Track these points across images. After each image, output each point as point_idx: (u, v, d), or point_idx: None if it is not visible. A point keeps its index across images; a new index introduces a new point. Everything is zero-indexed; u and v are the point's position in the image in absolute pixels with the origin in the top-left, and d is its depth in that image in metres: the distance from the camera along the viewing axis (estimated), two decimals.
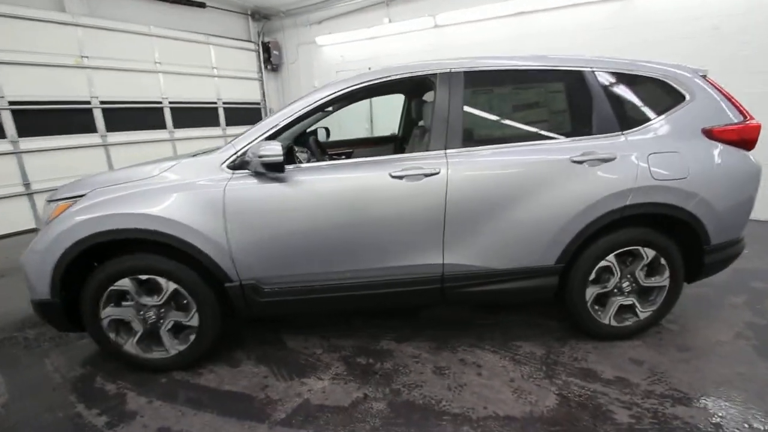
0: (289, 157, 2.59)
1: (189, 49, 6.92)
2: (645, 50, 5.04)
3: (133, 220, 1.90)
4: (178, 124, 6.85)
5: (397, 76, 2.10)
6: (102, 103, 5.84)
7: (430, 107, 2.19)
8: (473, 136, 2.09)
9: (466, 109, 2.08)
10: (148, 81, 6.41)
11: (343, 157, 3.69)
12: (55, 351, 2.50)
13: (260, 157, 1.83)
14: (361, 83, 2.08)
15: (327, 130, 3.75)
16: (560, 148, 2.06)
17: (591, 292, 2.21)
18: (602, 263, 2.17)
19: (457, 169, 1.99)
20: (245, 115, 7.98)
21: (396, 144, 3.69)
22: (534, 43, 5.72)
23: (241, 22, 7.92)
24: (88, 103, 5.73)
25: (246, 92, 8.04)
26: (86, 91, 5.69)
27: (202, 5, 7.04)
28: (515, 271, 2.12)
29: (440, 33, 6.35)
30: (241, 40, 7.88)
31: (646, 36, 5.05)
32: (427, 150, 2.05)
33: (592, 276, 2.18)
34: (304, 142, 2.97)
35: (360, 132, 7.09)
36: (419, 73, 2.11)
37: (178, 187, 1.95)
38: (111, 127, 5.97)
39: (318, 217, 1.98)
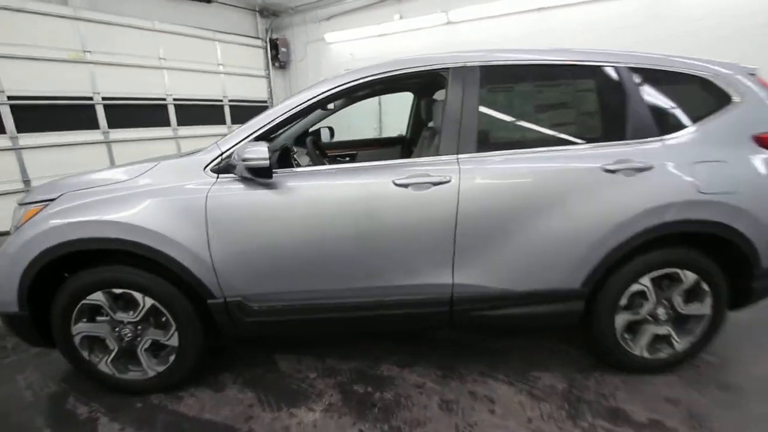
0: (286, 159, 2.37)
1: (194, 46, 6.76)
2: (674, 48, 4.72)
3: (103, 228, 1.70)
4: (183, 121, 6.69)
5: (405, 71, 1.86)
6: (104, 99, 5.70)
7: (440, 106, 1.94)
8: (489, 140, 1.84)
9: (482, 109, 1.83)
10: (152, 77, 6.26)
11: (347, 159, 3.46)
12: (32, 364, 2.31)
13: (244, 160, 1.60)
14: (364, 78, 1.84)
15: (331, 129, 3.52)
16: (589, 154, 1.80)
17: (621, 319, 1.94)
18: (635, 287, 1.90)
19: (471, 178, 1.74)
20: (252, 113, 7.65)
21: (403, 146, 3.45)
22: (551, 39, 5.44)
23: (248, 19, 7.76)
24: (90, 99, 5.59)
25: (253, 90, 7.87)
26: (88, 86, 5.55)
27: (209, 0, 6.88)
28: (535, 294, 1.86)
29: (453, 30, 6.09)
30: (249, 36, 7.71)
31: (671, 32, 4.74)
32: (436, 154, 1.81)
33: (623, 301, 1.91)
34: (305, 143, 2.75)
35: (369, 132, 6.86)
36: (429, 67, 1.86)
37: (154, 192, 1.73)
38: (113, 123, 5.83)
39: (312, 230, 1.75)
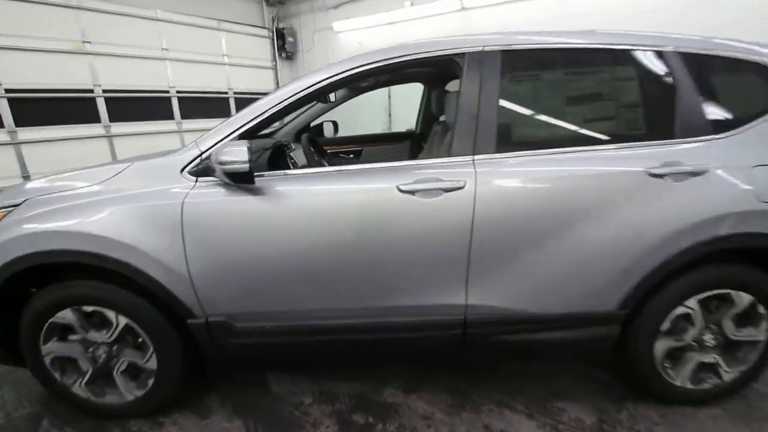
0: (282, 158, 2.14)
1: (198, 36, 6.55)
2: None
3: (65, 239, 1.49)
4: (187, 114, 6.51)
5: (413, 57, 1.59)
6: (105, 91, 5.53)
7: (453, 98, 1.69)
8: (512, 138, 1.57)
9: (503, 101, 1.56)
10: (154, 69, 6.07)
11: (351, 156, 3.22)
12: (9, 381, 2.14)
13: (221, 163, 1.37)
14: (366, 66, 1.58)
15: (335, 124, 3.27)
16: (631, 155, 1.53)
17: (662, 345, 1.68)
18: (679, 309, 1.63)
19: (489, 183, 1.48)
20: None
21: (413, 142, 3.19)
22: (570, 25, 5.07)
23: (254, 7, 7.50)
24: (91, 91, 5.42)
25: (259, 81, 7.64)
26: (89, 79, 5.38)
27: None
28: (564, 317, 1.61)
29: (467, 16, 5.75)
30: (255, 26, 7.46)
31: (714, 18, 4.35)
32: (448, 154, 1.55)
33: (665, 326, 1.65)
34: (311, 138, 2.50)
35: (377, 127, 6.59)
36: (441, 53, 1.59)
37: (124, 198, 1.52)
38: (115, 117, 5.66)
39: (303, 242, 1.52)
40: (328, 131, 3.23)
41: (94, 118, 5.50)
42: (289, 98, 1.58)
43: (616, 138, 1.57)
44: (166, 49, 6.15)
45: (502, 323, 1.61)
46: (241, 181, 1.40)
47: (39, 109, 4.95)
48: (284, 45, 7.65)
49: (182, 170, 1.55)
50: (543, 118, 1.63)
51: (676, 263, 1.53)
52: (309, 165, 2.02)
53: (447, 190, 1.47)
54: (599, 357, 2.06)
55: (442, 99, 2.38)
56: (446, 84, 2.84)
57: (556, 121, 1.62)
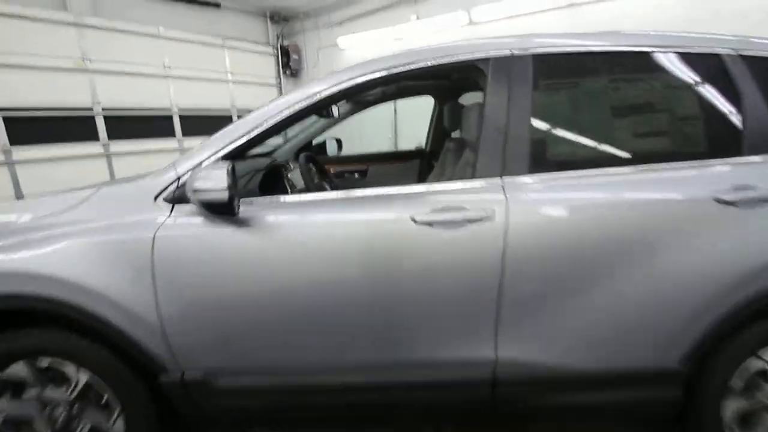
0: (278, 180, 1.91)
1: (202, 53, 6.45)
2: None
3: (8, 281, 1.24)
4: (189, 132, 6.35)
5: (429, 63, 1.36)
6: (105, 109, 5.39)
7: (475, 111, 1.45)
8: (547, 157, 1.32)
9: (537, 113, 1.31)
10: (156, 86, 5.95)
11: (356, 175, 2.98)
12: None
13: (196, 191, 1.13)
14: (372, 74, 1.35)
15: (338, 141, 3.05)
16: (692, 177, 1.27)
17: (731, 406, 1.38)
18: (753, 363, 1.34)
19: (523, 211, 1.22)
20: None
21: (423, 161, 2.95)
22: None
23: (258, 25, 7.44)
24: (90, 109, 5.28)
25: (263, 99, 7.46)
26: (88, 97, 5.25)
27: (217, 5, 6.59)
28: (612, 374, 1.32)
29: (476, 31, 5.58)
30: (259, 43, 7.38)
31: (718, 27, 4.12)
32: (472, 176, 1.30)
33: (736, 383, 1.35)
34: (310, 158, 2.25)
35: (383, 143, 6.37)
36: (461, 58, 1.36)
37: (84, 231, 1.27)
38: (114, 135, 5.51)
39: (300, 284, 1.27)
40: (331, 149, 3.01)
41: (93, 137, 5.35)
42: (283, 112, 1.35)
43: (672, 156, 1.31)
44: (169, 67, 6.04)
45: (539, 382, 1.32)
46: (220, 212, 1.16)
47: (35, 127, 4.81)
48: (289, 62, 7.55)
49: (156, 197, 1.31)
50: (584, 132, 1.37)
51: (750, 309, 1.25)
52: (308, 188, 1.77)
53: (472, 221, 1.22)
54: (655, 419, 1.75)
55: (456, 113, 2.15)
56: (459, 97, 2.62)
57: (600, 136, 1.36)
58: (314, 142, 2.90)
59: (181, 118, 6.22)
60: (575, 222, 1.23)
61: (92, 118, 5.31)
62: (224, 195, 1.09)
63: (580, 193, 1.25)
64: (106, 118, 5.40)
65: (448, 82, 2.49)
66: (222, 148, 1.32)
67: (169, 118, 6.11)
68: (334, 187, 1.97)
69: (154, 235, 1.25)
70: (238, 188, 1.22)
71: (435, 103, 2.87)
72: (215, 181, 1.09)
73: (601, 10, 4.90)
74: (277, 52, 7.58)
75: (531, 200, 1.23)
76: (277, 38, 7.59)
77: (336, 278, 1.25)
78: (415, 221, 1.22)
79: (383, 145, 6.31)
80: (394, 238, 1.23)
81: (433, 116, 2.93)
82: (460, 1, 5.54)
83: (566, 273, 1.24)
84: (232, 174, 1.16)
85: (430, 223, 1.22)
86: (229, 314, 1.29)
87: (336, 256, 1.25)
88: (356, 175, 3.02)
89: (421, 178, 2.82)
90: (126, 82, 5.59)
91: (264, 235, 1.26)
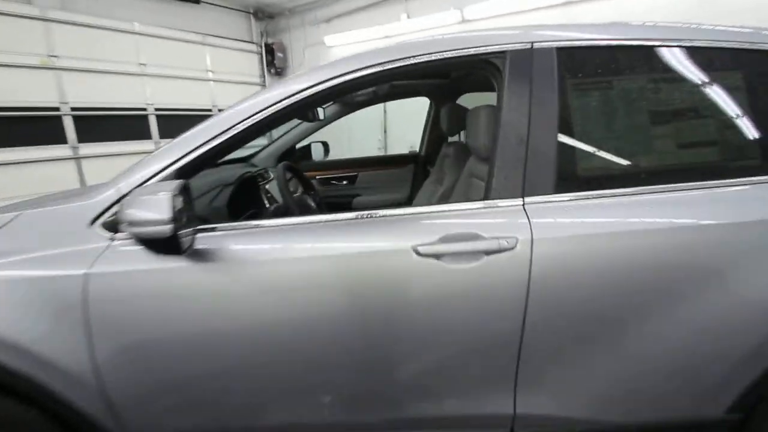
0: (253, 194, 1.65)
1: (180, 50, 6.11)
2: None
3: None
4: (166, 134, 5.99)
5: (431, 57, 1.12)
6: (74, 109, 5.03)
7: (487, 116, 1.22)
8: (579, 172, 1.09)
9: (565, 118, 1.08)
10: (130, 85, 5.59)
11: (344, 183, 2.73)
12: None
13: (131, 223, 0.86)
14: (363, 70, 1.11)
15: (325, 145, 2.79)
16: (749, 197, 1.05)
17: None
18: None
19: (552, 240, 0.99)
20: None
21: (417, 166, 2.72)
22: None
23: (241, 21, 7.12)
24: (57, 109, 4.91)
25: None
26: (55, 95, 4.88)
27: (197, 1, 6.25)
28: (650, 428, 1.10)
29: (468, 29, 5.39)
30: (242, 40, 7.07)
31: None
32: (485, 195, 1.07)
33: None
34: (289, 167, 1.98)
35: (373, 146, 6.11)
36: (470, 52, 1.12)
37: None
38: (84, 137, 5.14)
39: (275, 333, 1.01)
40: (317, 154, 2.76)
41: (60, 139, 4.97)
42: (254, 116, 1.10)
43: (730, 172, 1.09)
44: (144, 64, 5.69)
45: None
46: (162, 249, 0.89)
47: None
48: (273, 60, 7.25)
49: (92, 222, 1.04)
50: (623, 142, 1.13)
51: None
52: (286, 205, 1.50)
53: (489, 252, 0.98)
54: None
55: (455, 116, 1.94)
56: (457, 98, 2.39)
57: (644, 148, 1.13)
58: (298, 145, 2.64)
59: (158, 118, 5.88)
60: (615, 253, 1.00)
61: (59, 119, 4.94)
62: (164, 229, 0.83)
63: (621, 216, 1.02)
64: (75, 118, 5.04)
65: (446, 81, 2.26)
66: (177, 160, 1.05)
67: (145, 118, 5.76)
68: (318, 203, 1.71)
69: (88, 273, 0.98)
70: (194, 212, 0.96)
71: (430, 104, 2.64)
72: (155, 210, 0.82)
73: (597, 9, 4.76)
74: (262, 50, 7.28)
75: (561, 226, 1.00)
76: (262, 35, 7.28)
77: (320, 326, 1.00)
78: (418, 253, 0.98)
79: (372, 149, 6.06)
80: (392, 274, 0.99)
81: (428, 119, 2.70)
82: (452, 0, 5.33)
83: (603, 314, 1.02)
84: (185, 195, 0.90)
85: (436, 255, 0.98)
86: (185, 370, 1.03)
87: (318, 301, 1.00)
88: (345, 182, 2.77)
89: (416, 186, 2.59)
90: (97, 80, 5.22)
91: (228, 272, 1.00)
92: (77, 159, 5.13)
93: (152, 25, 5.74)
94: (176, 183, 0.89)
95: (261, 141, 2.92)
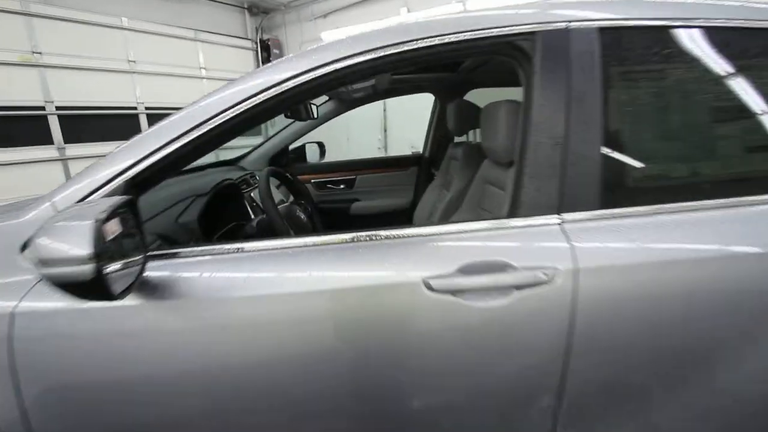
0: (236, 203, 1.43)
1: (172, 47, 5.90)
2: None
3: None
4: None
5: (447, 39, 0.90)
6: (59, 108, 4.81)
7: (508, 112, 1.01)
8: (630, 183, 0.87)
9: (612, 115, 0.87)
10: (119, 83, 5.38)
11: (342, 186, 2.52)
12: None
13: (42, 262, 0.64)
14: (359, 56, 0.90)
15: (320, 145, 2.58)
16: None
17: None
18: None
19: (600, 269, 0.78)
20: None
21: (421, 169, 2.50)
22: None
23: (236, 17, 6.90)
24: (42, 108, 4.70)
25: None
26: (39, 94, 4.66)
27: None
28: None
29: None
30: (237, 37, 6.84)
31: None
32: (511, 210, 0.86)
33: None
34: (274, 173, 1.75)
35: (373, 145, 5.89)
36: (492, 33, 0.91)
37: None
38: (71, 137, 4.93)
39: (243, 389, 0.80)
40: (312, 155, 2.55)
41: (46, 139, 4.76)
42: (231, 110, 0.89)
43: None
44: (134, 62, 5.47)
45: None
46: (84, 295, 0.67)
47: None
48: (269, 57, 7.04)
49: (23, 248, 0.83)
50: (687, 145, 0.91)
51: None
52: (269, 217, 1.28)
53: (521, 287, 0.77)
54: None
55: (464, 114, 1.73)
56: (464, 94, 2.18)
57: (712, 152, 0.92)
58: (291, 146, 2.43)
59: (149, 117, 5.66)
60: (680, 283, 0.79)
61: (44, 119, 4.72)
62: (83, 270, 0.60)
63: (685, 238, 0.81)
64: (61, 117, 4.82)
65: (453, 75, 2.05)
66: (128, 169, 0.84)
67: (135, 118, 5.54)
68: (310, 215, 1.50)
69: (13, 312, 0.77)
70: (142, 238, 0.75)
71: (435, 101, 2.42)
72: (73, 241, 0.60)
73: None
74: (257, 47, 7.06)
75: (611, 252, 0.79)
76: (257, 31, 7.06)
77: (309, 386, 0.79)
78: (431, 288, 0.76)
79: (372, 149, 5.84)
80: (399, 317, 0.78)
81: (432, 117, 2.48)
82: None
83: (662, 359, 0.81)
84: (128, 217, 0.69)
85: (453, 292, 0.77)
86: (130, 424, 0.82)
87: (308, 349, 0.78)
88: (342, 186, 2.56)
89: (420, 190, 2.38)
90: (84, 78, 5.00)
91: (188, 312, 0.79)
92: (64, 160, 4.91)
93: (142, 21, 5.52)
94: (113, 200, 0.68)
95: (255, 141, 2.72)
